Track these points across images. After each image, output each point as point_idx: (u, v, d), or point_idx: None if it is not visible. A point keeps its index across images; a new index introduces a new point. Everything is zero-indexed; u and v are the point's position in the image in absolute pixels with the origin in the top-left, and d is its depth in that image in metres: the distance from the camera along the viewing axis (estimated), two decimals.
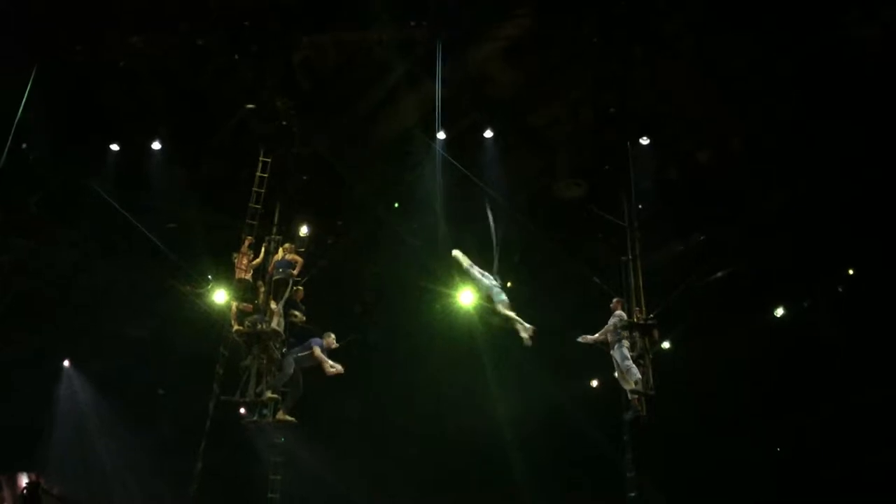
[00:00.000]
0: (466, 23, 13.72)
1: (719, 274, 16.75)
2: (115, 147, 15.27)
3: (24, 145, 14.11)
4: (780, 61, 13.71)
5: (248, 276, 13.12)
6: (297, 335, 13.32)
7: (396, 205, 16.61)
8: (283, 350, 13.02)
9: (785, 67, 13.75)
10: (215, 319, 15.02)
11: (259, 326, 12.57)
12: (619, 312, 12.82)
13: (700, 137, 15.41)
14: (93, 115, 14.76)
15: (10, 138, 12.95)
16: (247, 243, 13.29)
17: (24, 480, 18.63)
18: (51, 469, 18.51)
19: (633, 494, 14.71)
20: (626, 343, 12.55)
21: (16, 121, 13.05)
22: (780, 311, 17.78)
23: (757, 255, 16.28)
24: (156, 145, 15.27)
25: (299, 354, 12.93)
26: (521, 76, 14.69)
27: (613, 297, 13.23)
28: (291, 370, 12.87)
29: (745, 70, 14.06)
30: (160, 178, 15.53)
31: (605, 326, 12.79)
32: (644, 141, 14.79)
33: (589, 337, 12.93)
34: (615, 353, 12.57)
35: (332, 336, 13.12)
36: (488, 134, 15.26)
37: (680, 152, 15.60)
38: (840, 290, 17.45)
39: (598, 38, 13.82)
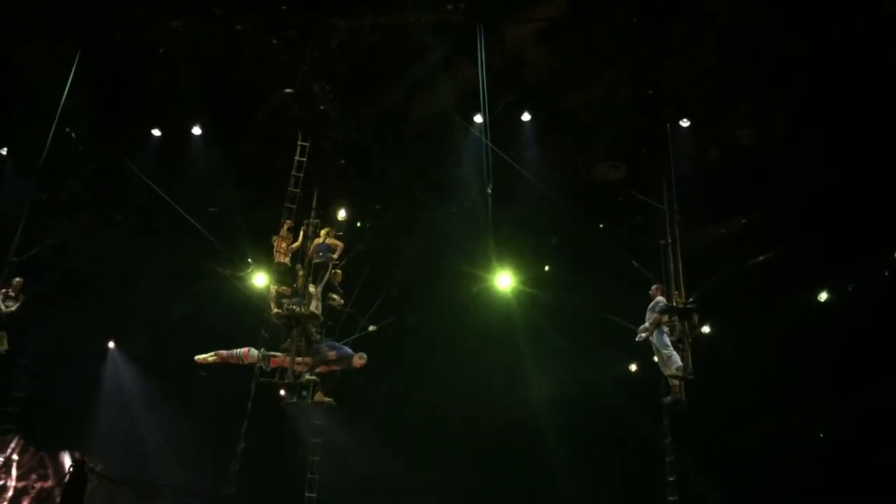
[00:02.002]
0: (503, 4, 13.62)
1: (761, 257, 16.47)
2: (156, 132, 15.56)
3: (67, 129, 14.38)
4: (823, 39, 13.39)
5: (287, 260, 13.20)
6: (336, 318, 13.41)
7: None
8: (323, 332, 13.13)
9: (827, 45, 13.42)
10: (255, 302, 15.16)
11: (298, 309, 12.65)
12: (659, 298, 12.66)
13: (741, 119, 15.14)
14: (134, 99, 14.99)
15: (56, 122, 13.17)
16: (286, 227, 13.36)
17: (66, 459, 19.03)
18: (95, 447, 18.85)
19: (672, 478, 14.61)
20: (665, 329, 12.41)
21: (60, 105, 13.29)
22: (823, 296, 17.49)
23: (800, 238, 15.96)
24: (196, 129, 15.49)
25: (331, 352, 12.90)
26: (559, 58, 14.54)
27: (653, 283, 13.06)
28: (331, 354, 12.97)
29: (787, 49, 13.76)
30: (200, 162, 15.75)
31: (653, 316, 12.59)
32: (684, 123, 14.61)
33: (645, 334, 12.69)
34: (655, 340, 12.40)
35: (365, 358, 13.06)
36: (526, 117, 15.15)
37: (720, 134, 15.36)
38: (886, 273, 17.09)
39: (636, 18, 13.62)
